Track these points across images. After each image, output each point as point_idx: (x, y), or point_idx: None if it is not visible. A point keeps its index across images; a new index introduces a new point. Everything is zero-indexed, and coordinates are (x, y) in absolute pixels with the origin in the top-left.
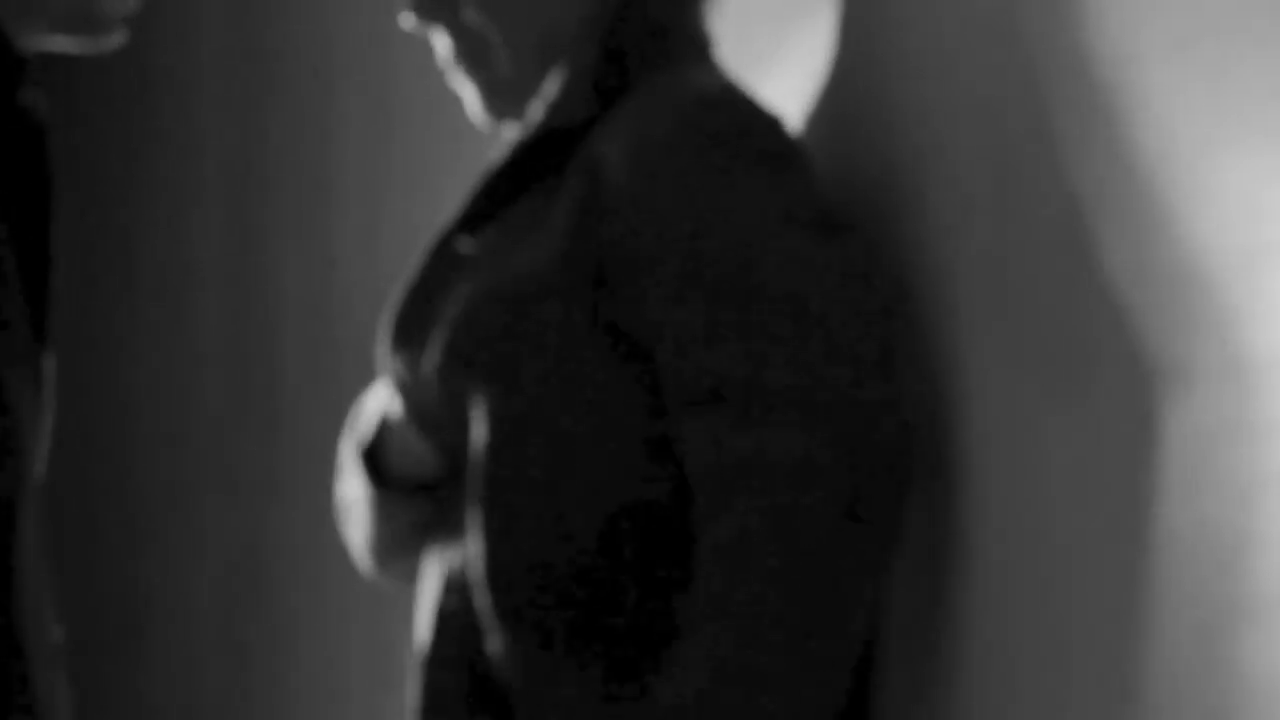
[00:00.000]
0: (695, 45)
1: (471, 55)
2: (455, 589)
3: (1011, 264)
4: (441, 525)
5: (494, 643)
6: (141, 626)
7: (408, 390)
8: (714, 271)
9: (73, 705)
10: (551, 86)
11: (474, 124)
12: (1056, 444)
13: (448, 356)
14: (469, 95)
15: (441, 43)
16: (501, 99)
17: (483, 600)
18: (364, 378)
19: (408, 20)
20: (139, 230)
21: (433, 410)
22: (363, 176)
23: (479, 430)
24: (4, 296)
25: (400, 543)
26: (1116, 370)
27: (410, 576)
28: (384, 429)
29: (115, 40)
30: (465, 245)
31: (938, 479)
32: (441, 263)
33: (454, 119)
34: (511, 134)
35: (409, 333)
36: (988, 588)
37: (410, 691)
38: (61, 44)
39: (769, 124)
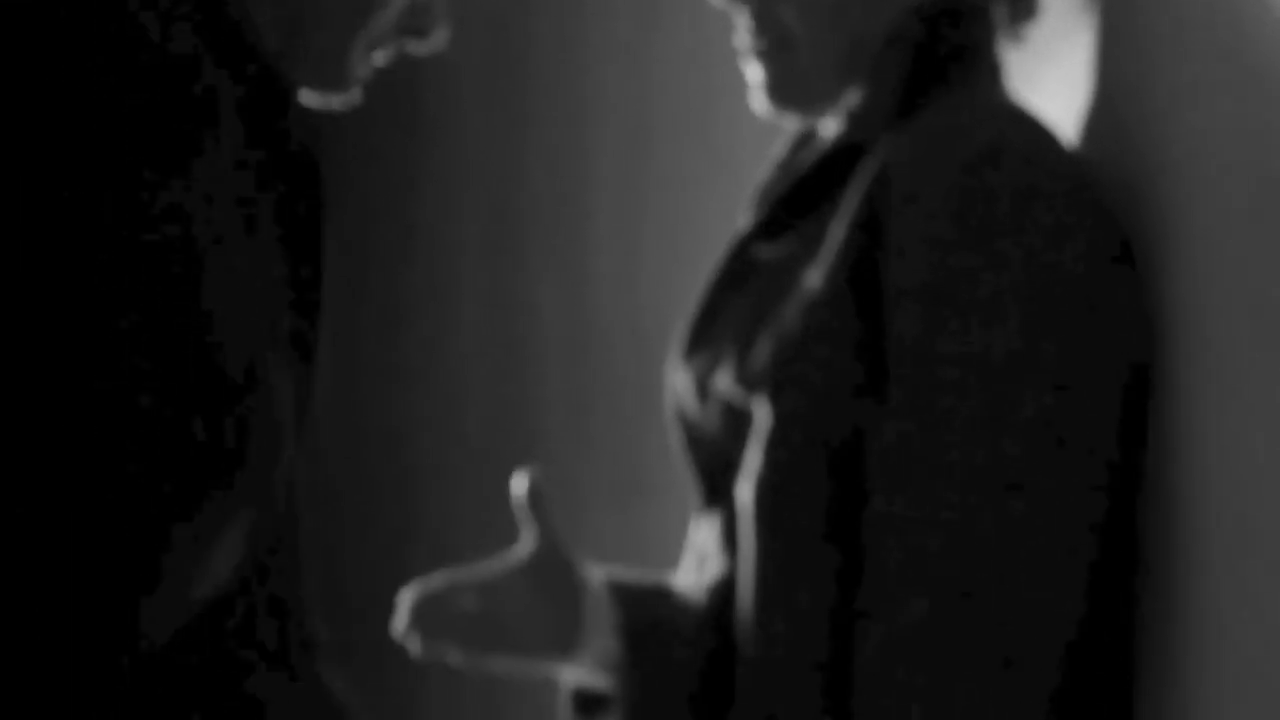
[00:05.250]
0: (992, 70)
1: (773, 44)
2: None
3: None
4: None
5: (747, 659)
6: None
7: (686, 405)
8: (945, 354)
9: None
10: (852, 98)
11: (730, 141)
12: None
13: (737, 378)
14: (757, 80)
15: (745, 25)
16: (790, 92)
17: (744, 624)
18: (620, 406)
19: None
20: (401, 265)
21: (708, 427)
22: (619, 203)
23: (753, 456)
24: (277, 321)
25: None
26: None
27: None
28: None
29: (351, 99)
30: (765, 252)
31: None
32: (739, 270)
33: (708, 142)
34: (787, 141)
35: (704, 340)
36: None
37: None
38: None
39: (1055, 187)
